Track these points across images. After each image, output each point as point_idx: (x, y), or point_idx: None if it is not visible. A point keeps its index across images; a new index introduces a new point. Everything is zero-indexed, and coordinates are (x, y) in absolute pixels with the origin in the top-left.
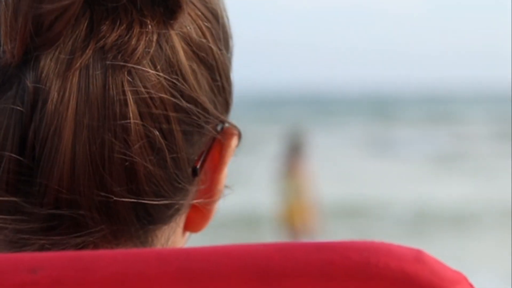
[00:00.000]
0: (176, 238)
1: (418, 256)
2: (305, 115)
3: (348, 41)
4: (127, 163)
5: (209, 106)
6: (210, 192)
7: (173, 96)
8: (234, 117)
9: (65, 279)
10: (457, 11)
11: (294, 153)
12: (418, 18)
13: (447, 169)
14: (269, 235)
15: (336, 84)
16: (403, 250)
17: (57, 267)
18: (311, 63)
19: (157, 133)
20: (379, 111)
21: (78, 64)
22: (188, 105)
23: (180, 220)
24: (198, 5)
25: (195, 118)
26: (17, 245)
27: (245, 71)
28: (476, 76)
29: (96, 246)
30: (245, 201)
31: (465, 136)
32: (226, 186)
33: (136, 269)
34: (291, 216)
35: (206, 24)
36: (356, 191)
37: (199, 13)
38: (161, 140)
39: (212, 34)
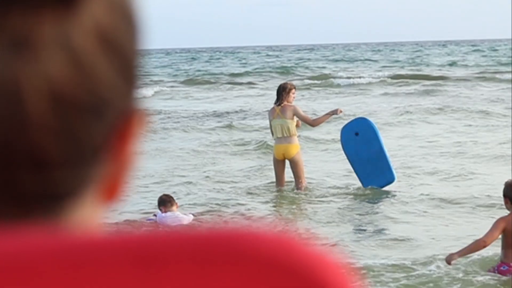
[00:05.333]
0: (88, 211)
1: (286, 242)
2: None
3: None
4: (29, 147)
5: (114, 90)
6: (118, 169)
7: (75, 83)
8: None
9: None
10: None
11: (281, 96)
12: None
13: None
14: None
15: None
16: (271, 236)
17: None
18: None
19: (57, 118)
20: None
21: None
22: (90, 89)
23: (91, 194)
24: None
25: (98, 101)
26: None
27: None
28: None
29: None
30: None
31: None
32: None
33: (24, 257)
34: (278, 154)
35: (113, 7)
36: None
37: None
38: (62, 124)
39: (119, 15)
